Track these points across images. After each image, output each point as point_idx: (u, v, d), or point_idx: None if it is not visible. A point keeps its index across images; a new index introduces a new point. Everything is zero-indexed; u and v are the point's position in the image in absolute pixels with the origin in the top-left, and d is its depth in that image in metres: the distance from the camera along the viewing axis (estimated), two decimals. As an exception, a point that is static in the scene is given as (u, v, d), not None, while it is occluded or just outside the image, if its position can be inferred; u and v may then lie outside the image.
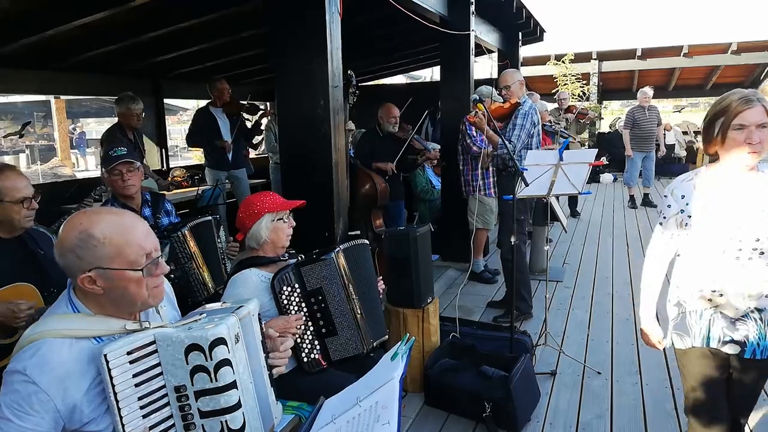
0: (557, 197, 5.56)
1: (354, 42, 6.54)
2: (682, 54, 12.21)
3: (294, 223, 2.22)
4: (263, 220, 2.13)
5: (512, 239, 3.28)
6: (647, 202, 8.75)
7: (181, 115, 26.13)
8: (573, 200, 8.14)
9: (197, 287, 2.61)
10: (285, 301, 2.03)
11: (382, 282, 2.35)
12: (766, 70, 12.61)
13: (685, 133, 14.31)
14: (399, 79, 14.25)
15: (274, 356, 1.62)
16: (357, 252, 2.19)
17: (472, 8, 5.03)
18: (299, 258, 2.20)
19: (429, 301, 3.10)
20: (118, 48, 4.81)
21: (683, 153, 13.24)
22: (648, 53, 12.44)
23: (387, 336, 2.28)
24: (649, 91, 8.53)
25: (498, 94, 4.18)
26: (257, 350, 1.46)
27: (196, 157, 20.23)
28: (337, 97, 2.96)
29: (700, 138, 14.68)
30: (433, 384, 2.85)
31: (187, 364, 1.27)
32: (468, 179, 4.83)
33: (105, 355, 1.19)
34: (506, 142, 3.43)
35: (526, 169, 3.22)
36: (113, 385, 1.20)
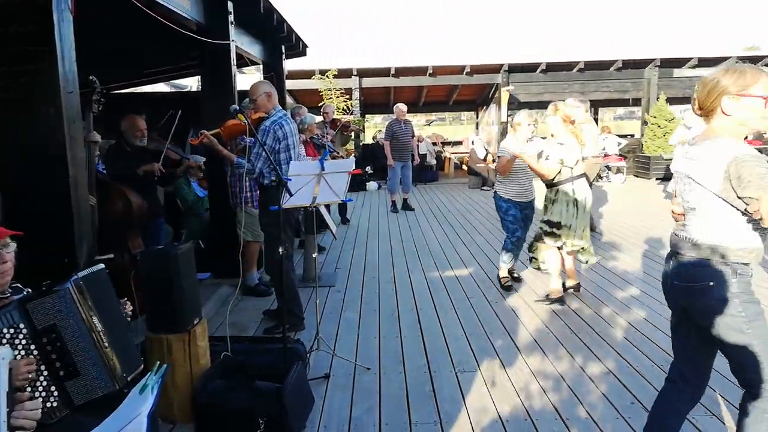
0: (327, 206, 5.81)
1: (103, 46, 5.92)
2: (428, 74, 13.82)
3: (7, 258, 1.85)
4: None
5: (280, 250, 3.29)
6: (407, 206, 9.67)
7: None
8: (343, 208, 8.58)
9: None
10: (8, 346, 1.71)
11: (129, 305, 2.15)
12: (493, 89, 14.92)
13: (434, 143, 16.26)
14: (162, 88, 13.33)
15: (18, 415, 1.35)
16: (97, 278, 1.95)
17: (231, 18, 4.95)
18: (26, 292, 1.88)
19: (196, 322, 2.93)
20: None
21: (434, 162, 15.01)
22: (400, 72, 13.80)
23: (142, 367, 2.08)
24: (403, 106, 9.48)
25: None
26: None
27: None
28: (72, 105, 2.63)
29: (447, 148, 16.70)
30: (203, 410, 2.69)
31: None
32: (235, 191, 4.72)
33: None
34: (268, 154, 3.45)
35: (290, 179, 3.28)
36: None
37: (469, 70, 13.87)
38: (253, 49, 6.35)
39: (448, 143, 18.04)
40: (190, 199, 5.54)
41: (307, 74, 13.07)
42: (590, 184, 4.66)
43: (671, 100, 13.34)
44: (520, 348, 3.73)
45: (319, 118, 8.38)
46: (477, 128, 17.80)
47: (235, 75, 5.10)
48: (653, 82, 13.68)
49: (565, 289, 4.67)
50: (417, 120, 34.73)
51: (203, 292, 4.59)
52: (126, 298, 2.20)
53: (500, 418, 2.85)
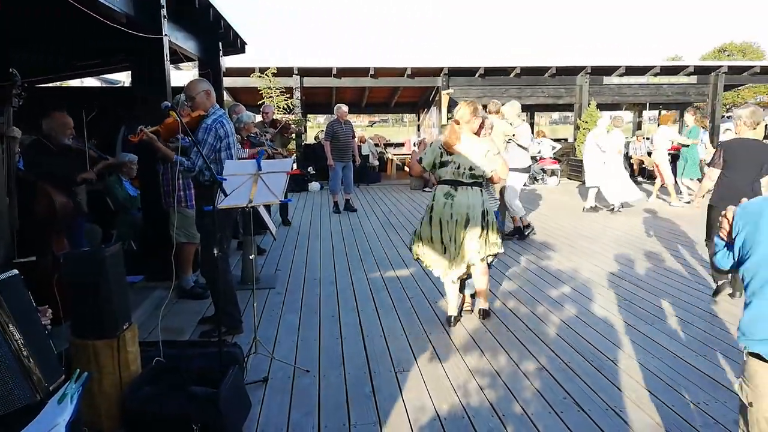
0: (268, 207, 5.70)
1: (27, 37, 5.57)
2: (369, 75, 13.84)
3: None
4: None
5: (215, 251, 3.21)
6: (349, 207, 9.65)
7: None
8: (284, 209, 8.46)
9: None
10: None
11: (50, 311, 2.03)
12: (434, 91, 15.13)
13: (377, 144, 16.32)
14: (92, 82, 12.75)
15: None
16: (12, 284, 1.83)
17: (164, 11, 4.77)
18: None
19: (125, 327, 2.81)
20: None
21: (376, 162, 15.06)
22: (342, 72, 13.74)
23: (64, 376, 1.97)
24: (344, 107, 9.45)
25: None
26: None
27: None
28: (-13, 98, 2.46)
29: (389, 149, 16.80)
30: (132, 417, 2.58)
31: None
32: (168, 191, 4.56)
33: None
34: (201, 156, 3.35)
35: (225, 179, 3.20)
36: None
37: (410, 73, 14.00)
38: (188, 44, 6.16)
39: (391, 144, 18.16)
40: (121, 197, 5.31)
41: (246, 72, 12.80)
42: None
43: (601, 106, 13.99)
44: (458, 347, 3.79)
45: (258, 118, 8.23)
46: (419, 130, 18.00)
47: (168, 71, 4.93)
48: (585, 88, 14.29)
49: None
50: (360, 121, 34.82)
51: (135, 295, 4.42)
52: (47, 305, 2.08)
53: (438, 416, 2.89)
